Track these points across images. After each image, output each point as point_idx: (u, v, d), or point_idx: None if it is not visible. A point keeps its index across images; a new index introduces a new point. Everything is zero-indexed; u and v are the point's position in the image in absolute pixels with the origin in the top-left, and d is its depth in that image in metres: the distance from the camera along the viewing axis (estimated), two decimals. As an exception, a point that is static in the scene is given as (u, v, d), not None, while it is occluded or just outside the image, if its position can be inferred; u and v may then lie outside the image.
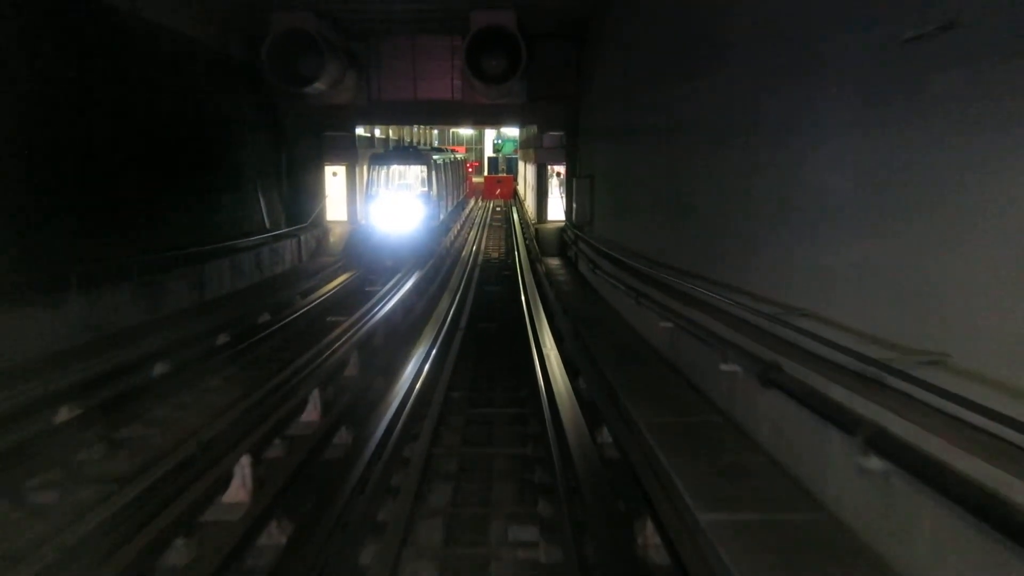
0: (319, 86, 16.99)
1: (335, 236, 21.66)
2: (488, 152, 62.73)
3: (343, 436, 7.45)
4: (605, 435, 7.11)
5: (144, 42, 13.02)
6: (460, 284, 17.04)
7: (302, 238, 19.44)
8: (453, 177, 29.47)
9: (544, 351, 10.17)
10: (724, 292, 6.20)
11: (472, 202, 44.49)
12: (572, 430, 7.04)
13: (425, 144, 47.39)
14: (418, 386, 8.83)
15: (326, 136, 21.55)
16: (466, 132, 63.95)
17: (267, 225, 18.78)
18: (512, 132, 53.09)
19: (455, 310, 13.94)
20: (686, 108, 8.45)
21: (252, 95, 18.47)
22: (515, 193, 45.81)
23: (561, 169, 22.79)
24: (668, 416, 6.42)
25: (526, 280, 16.92)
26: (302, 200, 21.22)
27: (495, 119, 21.25)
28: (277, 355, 10.98)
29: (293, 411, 7.91)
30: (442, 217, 24.19)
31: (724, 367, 5.87)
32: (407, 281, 17.36)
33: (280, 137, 20.50)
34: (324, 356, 10.31)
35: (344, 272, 19.26)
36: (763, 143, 5.94)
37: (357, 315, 13.43)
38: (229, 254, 15.03)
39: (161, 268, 12.37)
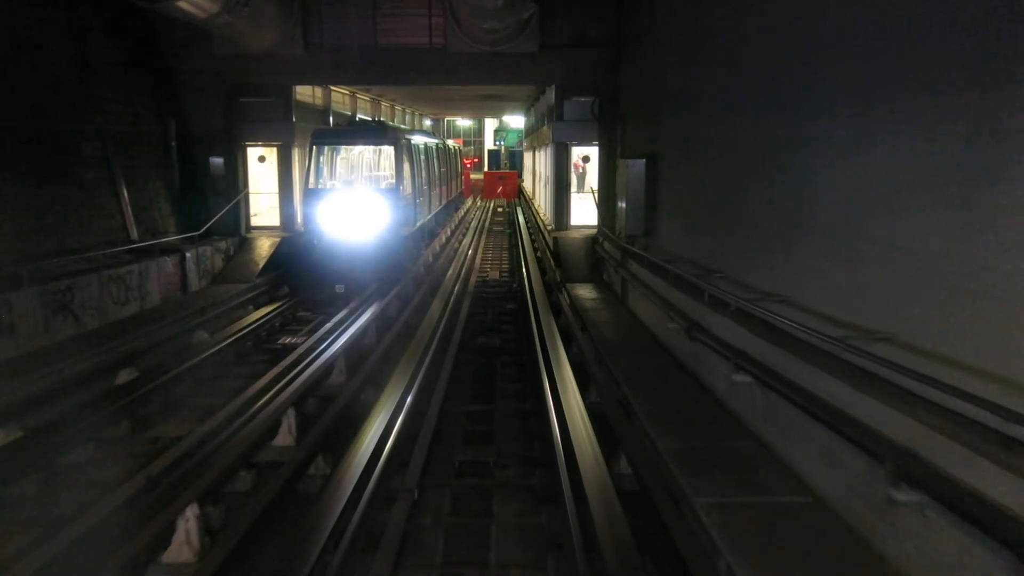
0: None
1: (260, 250, 14.72)
2: (488, 145, 55.85)
3: None
4: None
5: None
6: (436, 332, 10.09)
7: (190, 254, 12.47)
8: (441, 168, 22.23)
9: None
10: None
11: (469, 202, 37.49)
12: None
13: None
14: None
15: (244, 103, 14.61)
16: (464, 123, 56.84)
17: (133, 235, 11.91)
18: (516, 123, 46.35)
19: (407, 414, 7.03)
20: None
21: (108, 25, 11.63)
22: (520, 191, 39.06)
23: (590, 152, 15.82)
24: None
25: (544, 332, 9.95)
26: (208, 197, 14.34)
27: (493, 77, 14.44)
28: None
29: None
30: (422, 222, 17.19)
31: None
32: (350, 325, 10.52)
33: (171, 101, 13.63)
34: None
35: (258, 308, 12.41)
36: None
37: (210, 427, 6.61)
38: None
39: None
